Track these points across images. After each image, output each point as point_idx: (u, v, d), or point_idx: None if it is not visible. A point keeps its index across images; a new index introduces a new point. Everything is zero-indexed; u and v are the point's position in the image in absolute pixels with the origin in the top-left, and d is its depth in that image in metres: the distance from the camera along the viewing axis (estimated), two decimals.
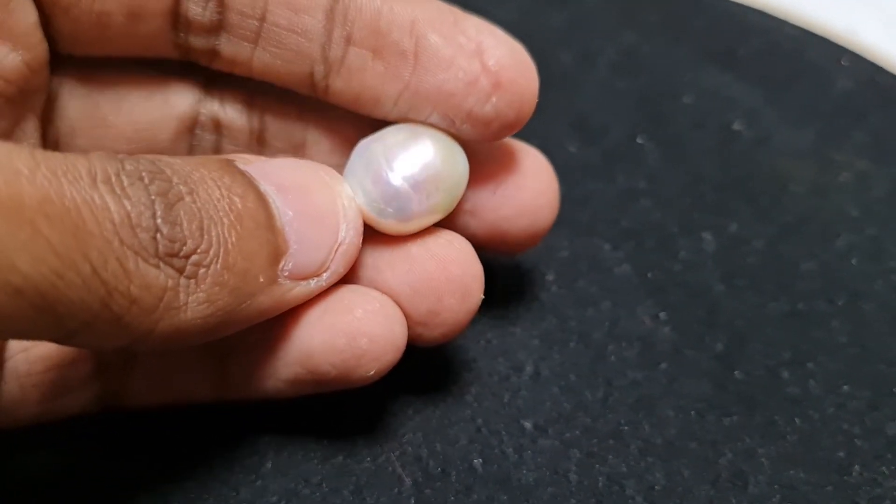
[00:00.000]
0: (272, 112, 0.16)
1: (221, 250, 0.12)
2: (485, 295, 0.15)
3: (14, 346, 0.15)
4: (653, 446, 0.17)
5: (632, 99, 0.24)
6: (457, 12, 0.14)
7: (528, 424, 0.17)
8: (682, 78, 0.25)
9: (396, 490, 0.16)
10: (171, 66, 0.16)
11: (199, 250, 0.12)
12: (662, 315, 0.19)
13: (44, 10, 0.14)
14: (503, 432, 0.17)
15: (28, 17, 0.13)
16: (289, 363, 0.15)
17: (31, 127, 0.15)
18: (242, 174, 0.13)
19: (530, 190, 0.16)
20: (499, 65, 0.14)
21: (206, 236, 0.12)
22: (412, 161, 0.14)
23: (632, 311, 0.19)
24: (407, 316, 0.15)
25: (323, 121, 0.16)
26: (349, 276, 0.15)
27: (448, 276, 0.15)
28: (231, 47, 0.15)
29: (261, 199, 0.13)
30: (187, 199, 0.12)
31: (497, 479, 0.16)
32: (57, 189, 0.10)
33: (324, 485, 0.16)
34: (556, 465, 0.16)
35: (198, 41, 0.15)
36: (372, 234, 0.15)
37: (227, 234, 0.12)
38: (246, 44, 0.15)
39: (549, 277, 0.19)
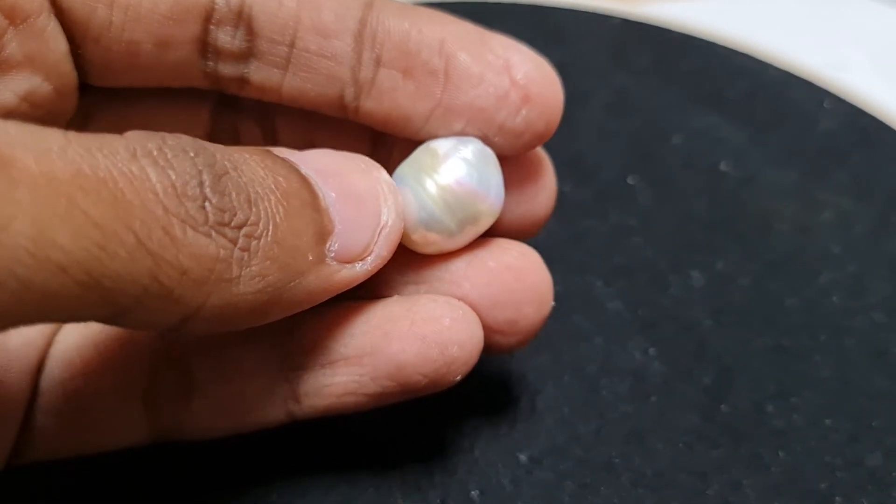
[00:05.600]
0: (282, 113, 0.17)
1: (271, 224, 0.12)
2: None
3: (51, 377, 0.15)
4: (643, 477, 0.17)
5: (624, 139, 0.25)
6: (482, 31, 0.15)
7: (523, 456, 0.18)
8: (672, 119, 0.26)
9: None
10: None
11: (249, 222, 0.12)
12: (652, 350, 0.20)
13: (74, 40, 0.14)
14: (500, 464, 0.17)
15: (60, 46, 0.14)
16: (377, 378, 0.15)
17: None
18: (283, 159, 0.13)
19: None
20: (527, 79, 0.14)
21: (254, 208, 0.12)
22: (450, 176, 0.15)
23: (623, 346, 0.20)
24: (486, 326, 0.15)
25: (331, 120, 0.16)
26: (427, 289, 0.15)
27: (525, 286, 0.15)
28: (261, 74, 0.15)
29: (304, 180, 0.13)
30: (233, 173, 0.12)
31: None
32: (90, 162, 0.10)
33: None
34: (550, 495, 0.17)
35: (227, 69, 0.15)
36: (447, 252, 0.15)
37: (275, 209, 0.12)
38: (276, 70, 0.15)
39: None
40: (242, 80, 0.15)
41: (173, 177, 0.11)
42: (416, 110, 0.15)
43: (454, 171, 0.14)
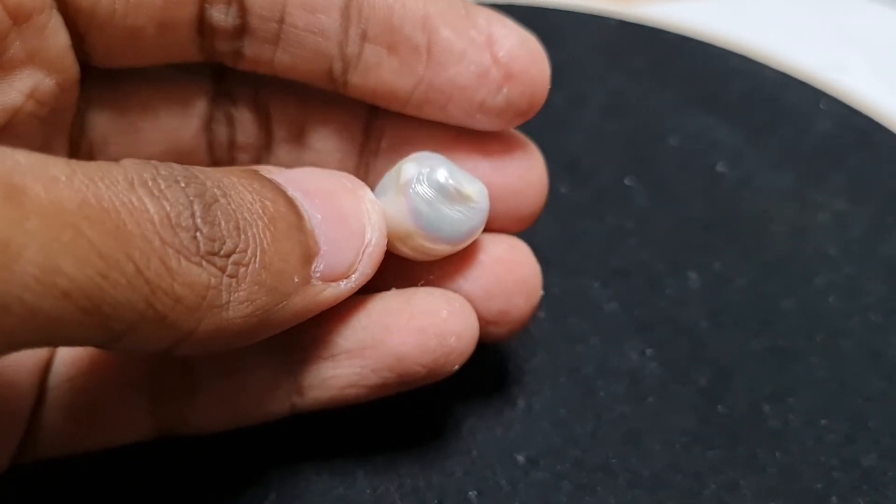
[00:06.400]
0: (276, 102, 0.17)
1: (258, 250, 0.12)
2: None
3: (58, 376, 0.15)
4: (640, 478, 0.17)
5: (620, 141, 0.25)
6: (468, 5, 0.15)
7: (520, 457, 0.18)
8: (669, 121, 0.26)
9: None
10: (186, 69, 0.16)
11: (238, 249, 0.12)
12: (649, 351, 0.20)
13: (78, 29, 0.14)
14: (497, 465, 0.17)
15: (61, 41, 0.14)
16: (378, 369, 0.15)
17: (60, 141, 0.15)
18: (270, 181, 0.13)
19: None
20: (509, 55, 0.14)
21: (243, 236, 0.12)
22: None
23: (620, 348, 0.20)
24: (479, 317, 0.16)
25: (323, 108, 0.17)
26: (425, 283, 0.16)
27: (516, 277, 0.16)
28: (253, 49, 0.15)
29: (290, 202, 0.13)
30: (222, 200, 0.12)
31: None
32: (95, 192, 0.11)
33: None
34: (547, 496, 0.17)
35: (222, 45, 0.15)
36: None
37: (262, 235, 0.12)
38: (267, 45, 0.15)
39: (541, 314, 0.20)
40: (237, 55, 0.15)
41: (168, 208, 0.11)
42: (401, 86, 0.15)
43: (408, 204, 0.15)
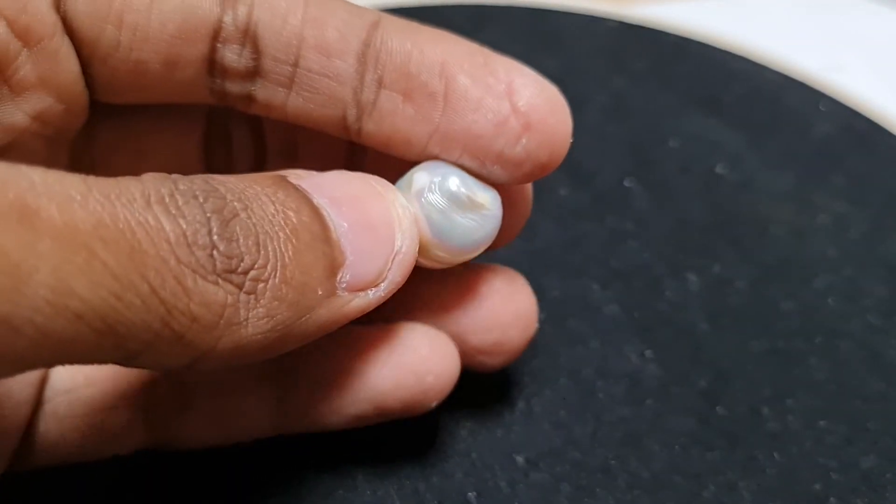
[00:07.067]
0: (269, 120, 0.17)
1: (279, 264, 0.12)
2: None
3: (55, 388, 0.15)
4: (639, 480, 0.17)
5: (621, 143, 0.25)
6: (487, 53, 0.14)
7: (520, 459, 0.18)
8: (669, 123, 0.26)
9: None
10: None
11: (256, 266, 0.12)
12: (649, 353, 0.20)
13: (82, 59, 0.14)
14: (496, 466, 0.17)
15: (73, 67, 0.14)
16: (356, 401, 0.15)
17: (62, 157, 0.15)
18: (295, 188, 0.13)
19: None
20: (529, 105, 0.14)
21: (262, 251, 0.12)
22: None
23: (619, 350, 0.20)
24: (473, 347, 0.16)
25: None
26: (413, 316, 0.16)
27: (512, 310, 0.16)
28: (266, 92, 0.15)
29: (315, 212, 0.13)
30: (242, 215, 0.12)
31: None
32: (110, 212, 0.10)
33: None
34: (547, 498, 0.17)
35: (233, 87, 0.15)
36: (437, 276, 0.16)
37: (283, 249, 0.12)
38: (280, 89, 0.15)
39: (541, 317, 0.20)
40: (249, 98, 0.15)
41: (184, 225, 0.11)
42: (416, 134, 0.15)
43: (421, 213, 0.14)
